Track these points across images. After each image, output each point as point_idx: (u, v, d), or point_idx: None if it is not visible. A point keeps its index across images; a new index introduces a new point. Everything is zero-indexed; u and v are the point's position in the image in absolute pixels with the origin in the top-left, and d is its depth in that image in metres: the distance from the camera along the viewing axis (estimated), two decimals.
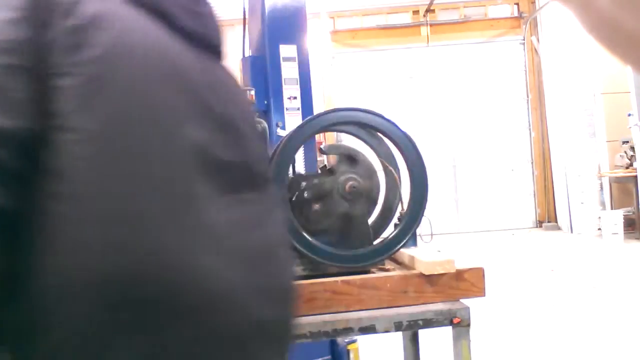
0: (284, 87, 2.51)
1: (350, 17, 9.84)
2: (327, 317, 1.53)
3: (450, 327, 1.55)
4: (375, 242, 1.71)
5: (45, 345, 0.57)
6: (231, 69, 0.79)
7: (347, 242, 1.67)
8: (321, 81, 9.59)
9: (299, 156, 2.10)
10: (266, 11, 2.48)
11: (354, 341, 2.94)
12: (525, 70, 9.72)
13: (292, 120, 2.45)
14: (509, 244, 8.34)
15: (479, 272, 1.62)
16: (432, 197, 1.65)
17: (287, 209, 1.59)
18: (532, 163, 9.71)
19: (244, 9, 2.74)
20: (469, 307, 1.56)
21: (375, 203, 1.75)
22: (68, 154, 0.57)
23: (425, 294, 1.59)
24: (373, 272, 1.66)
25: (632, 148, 7.75)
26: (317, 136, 1.99)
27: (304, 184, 1.69)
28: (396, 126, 1.65)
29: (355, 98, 9.54)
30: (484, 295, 1.62)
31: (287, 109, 2.50)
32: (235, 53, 9.47)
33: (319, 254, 1.61)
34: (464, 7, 9.75)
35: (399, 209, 1.76)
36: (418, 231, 1.72)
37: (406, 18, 9.81)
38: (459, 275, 1.60)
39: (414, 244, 1.76)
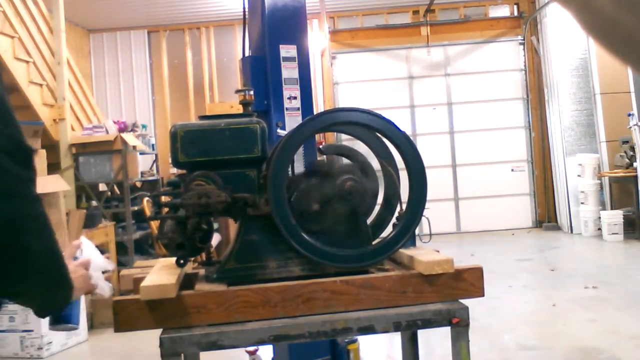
0: (284, 87, 2.51)
1: (350, 17, 9.84)
2: (326, 317, 1.53)
3: (449, 327, 1.55)
4: (374, 242, 1.71)
5: None
6: None
7: (346, 242, 1.67)
8: (321, 81, 9.59)
9: (299, 156, 2.09)
10: (266, 11, 2.48)
11: (354, 341, 2.94)
12: (525, 71, 9.72)
13: (292, 120, 2.45)
14: (509, 244, 8.34)
15: (478, 272, 1.62)
16: (431, 197, 1.64)
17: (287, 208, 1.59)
18: (532, 163, 9.70)
19: (244, 9, 2.74)
20: (467, 307, 1.56)
21: (374, 203, 1.75)
22: None
23: (424, 294, 1.59)
24: (372, 272, 1.66)
25: (632, 148, 7.74)
26: (317, 136, 1.99)
27: (303, 183, 1.69)
28: (395, 126, 1.66)
29: (355, 98, 9.53)
30: (483, 295, 1.62)
31: (287, 109, 2.50)
32: (235, 53, 9.41)
33: (318, 254, 1.61)
34: (464, 7, 9.75)
35: (398, 209, 1.76)
36: (417, 231, 1.72)
37: (406, 18, 9.80)
38: (457, 275, 1.60)
39: (413, 244, 1.76)
